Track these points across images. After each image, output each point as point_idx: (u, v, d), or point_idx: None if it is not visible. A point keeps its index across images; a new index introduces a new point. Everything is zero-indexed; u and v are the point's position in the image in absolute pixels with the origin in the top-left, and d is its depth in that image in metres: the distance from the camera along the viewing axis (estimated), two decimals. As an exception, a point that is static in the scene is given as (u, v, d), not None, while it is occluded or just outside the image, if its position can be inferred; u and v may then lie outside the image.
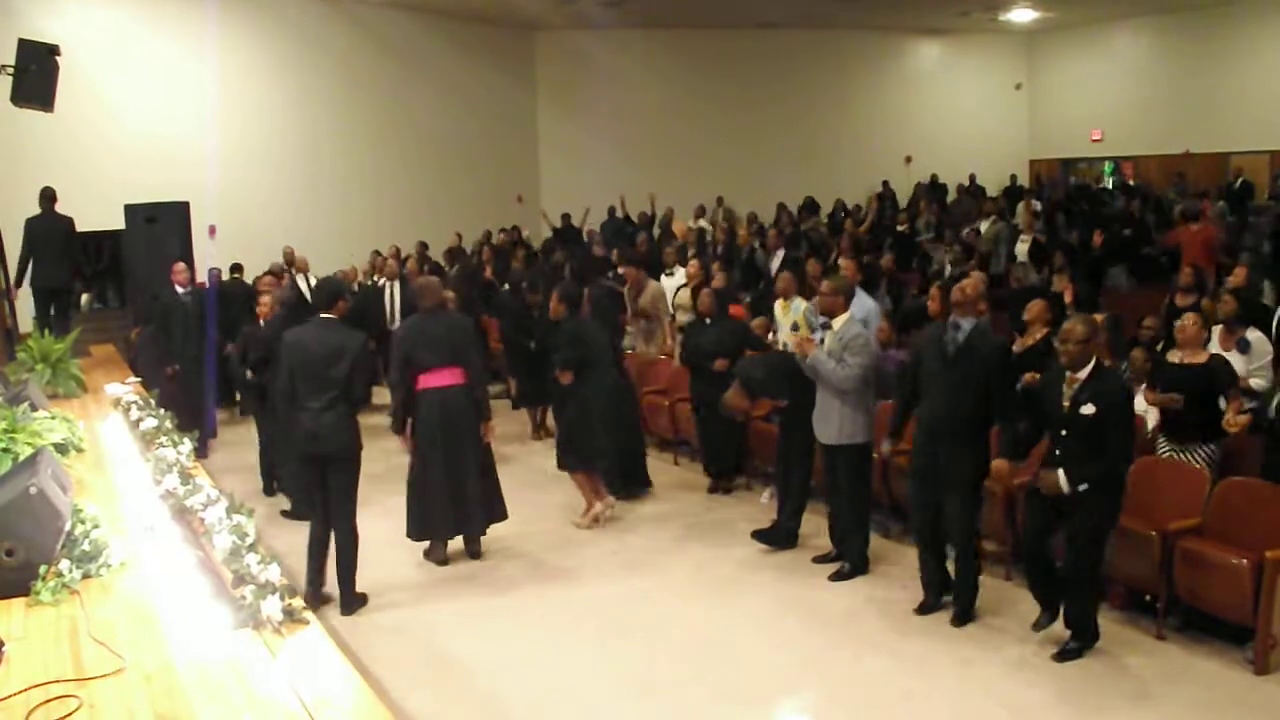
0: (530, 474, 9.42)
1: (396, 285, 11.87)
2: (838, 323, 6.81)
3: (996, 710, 5.30)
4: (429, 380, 7.17)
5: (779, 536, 7.51)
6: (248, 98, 16.39)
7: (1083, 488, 5.43)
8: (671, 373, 9.95)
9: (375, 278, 12.79)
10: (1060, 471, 5.46)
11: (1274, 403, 6.08)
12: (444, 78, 18.63)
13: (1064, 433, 5.58)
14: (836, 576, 6.95)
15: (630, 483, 8.75)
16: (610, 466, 8.30)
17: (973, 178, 21.46)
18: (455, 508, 7.28)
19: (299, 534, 7.86)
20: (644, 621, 6.44)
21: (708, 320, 8.86)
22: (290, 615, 3.46)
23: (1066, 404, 5.53)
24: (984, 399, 6.01)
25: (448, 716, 5.39)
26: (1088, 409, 5.44)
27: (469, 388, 7.21)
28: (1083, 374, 5.50)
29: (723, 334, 8.65)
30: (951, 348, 6.07)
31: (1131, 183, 20.63)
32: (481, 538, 7.51)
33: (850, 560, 6.99)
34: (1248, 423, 6.24)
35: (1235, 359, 6.95)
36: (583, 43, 20.44)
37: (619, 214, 18.88)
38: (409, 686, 5.57)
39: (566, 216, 18.84)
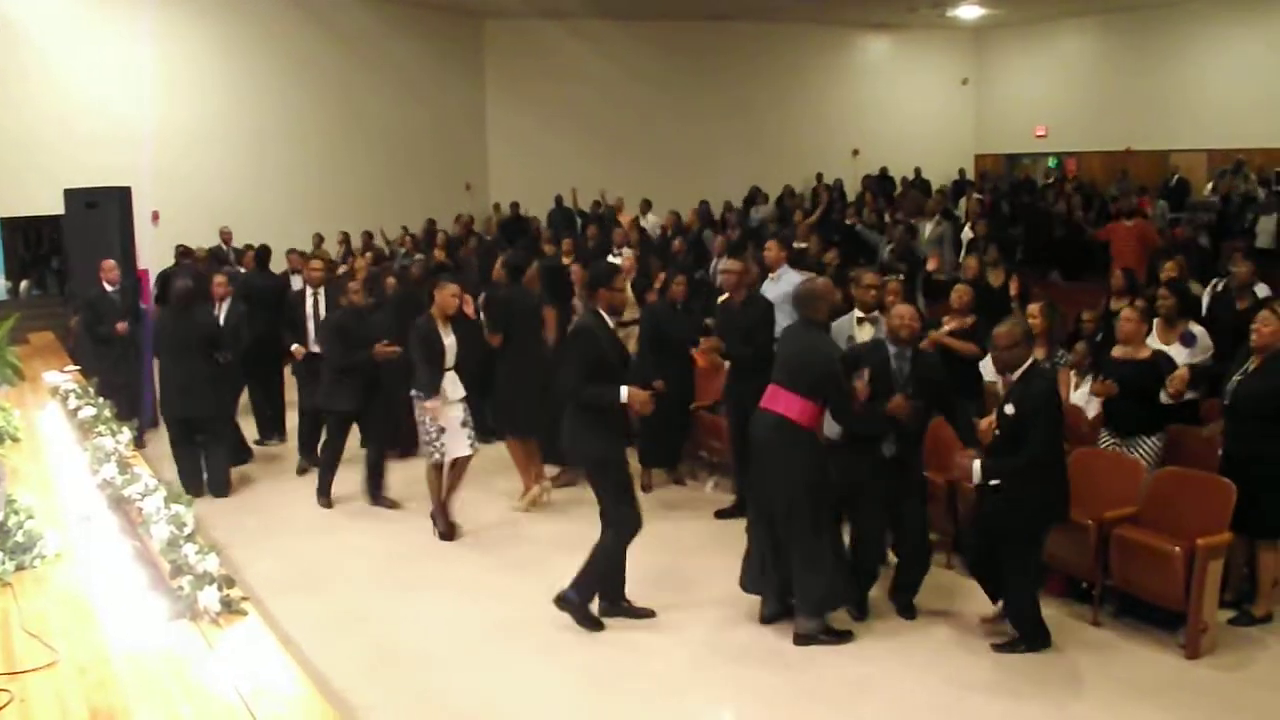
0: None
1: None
2: None
3: (935, 694, 5.38)
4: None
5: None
6: (192, 82, 16.17)
7: (993, 483, 5.56)
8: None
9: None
10: (976, 462, 5.62)
11: (1226, 389, 6.17)
12: (391, 63, 18.50)
13: (996, 431, 5.71)
14: None
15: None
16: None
17: (918, 171, 21.64)
18: None
19: (240, 523, 7.82)
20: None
21: (677, 306, 8.72)
22: (228, 606, 3.43)
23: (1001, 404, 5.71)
24: (929, 411, 6.16)
25: (392, 708, 5.36)
26: (1008, 409, 5.58)
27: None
28: (1015, 376, 5.63)
29: (694, 320, 8.69)
30: (900, 378, 6.10)
31: (1068, 178, 20.86)
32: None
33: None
34: (1185, 376, 6.40)
35: (1179, 351, 7.05)
36: (532, 31, 20.39)
37: (566, 203, 18.86)
38: (353, 678, 5.54)
39: (516, 206, 18.82)
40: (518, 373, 8.29)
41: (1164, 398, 6.44)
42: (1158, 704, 5.23)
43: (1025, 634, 5.80)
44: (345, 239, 15.87)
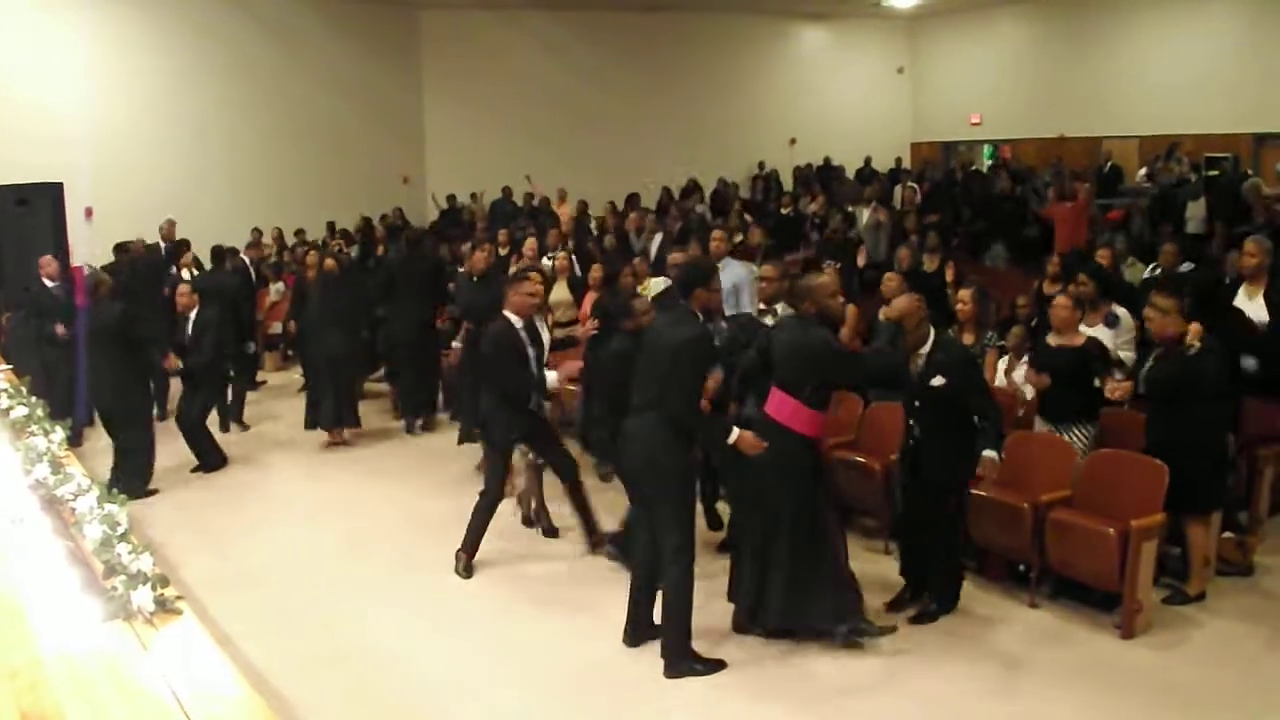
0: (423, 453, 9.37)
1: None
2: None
3: (870, 676, 5.44)
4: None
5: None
6: (126, 77, 15.89)
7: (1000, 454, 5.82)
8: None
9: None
10: (990, 453, 5.72)
11: (1140, 376, 6.31)
12: (326, 57, 18.27)
13: (917, 404, 5.91)
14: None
15: None
16: None
17: (868, 160, 21.79)
18: None
19: (178, 521, 7.72)
20: (525, 606, 6.42)
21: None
22: (162, 605, 3.38)
23: (916, 378, 5.86)
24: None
25: (332, 706, 5.32)
26: (937, 381, 5.75)
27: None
28: (924, 349, 5.81)
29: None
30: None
31: (1005, 159, 21.16)
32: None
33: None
34: (1129, 388, 6.47)
35: (1104, 333, 7.19)
36: (468, 21, 20.22)
37: (511, 198, 18.80)
38: (292, 676, 5.48)
39: (452, 198, 18.71)
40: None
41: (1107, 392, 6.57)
42: (1094, 684, 5.32)
43: (945, 596, 6.03)
44: (279, 235, 15.73)
